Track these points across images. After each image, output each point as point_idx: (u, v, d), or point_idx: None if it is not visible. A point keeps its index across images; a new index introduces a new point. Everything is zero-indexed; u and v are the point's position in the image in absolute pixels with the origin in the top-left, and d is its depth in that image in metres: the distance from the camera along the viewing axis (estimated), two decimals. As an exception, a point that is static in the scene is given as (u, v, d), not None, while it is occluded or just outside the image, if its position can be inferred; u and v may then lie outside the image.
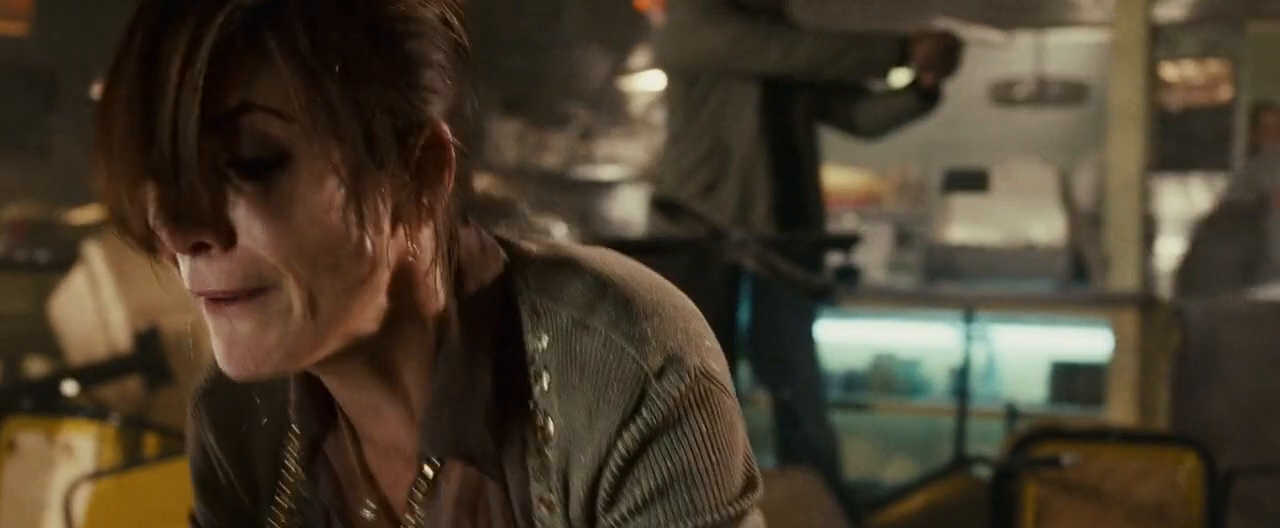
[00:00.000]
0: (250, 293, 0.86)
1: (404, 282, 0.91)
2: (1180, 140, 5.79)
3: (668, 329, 0.91)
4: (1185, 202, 5.74)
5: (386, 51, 0.86)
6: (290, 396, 1.02)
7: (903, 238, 6.13)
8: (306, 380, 0.99)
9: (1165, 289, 5.27)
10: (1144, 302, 4.62)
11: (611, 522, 0.92)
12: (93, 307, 4.00)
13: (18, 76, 5.83)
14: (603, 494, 0.92)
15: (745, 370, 3.37)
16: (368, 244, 0.86)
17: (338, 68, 0.83)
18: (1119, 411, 4.50)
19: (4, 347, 5.03)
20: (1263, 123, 5.57)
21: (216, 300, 0.86)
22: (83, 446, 3.33)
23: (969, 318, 4.36)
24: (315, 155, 0.83)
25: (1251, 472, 3.10)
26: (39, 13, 5.83)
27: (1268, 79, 5.89)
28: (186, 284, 0.86)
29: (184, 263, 0.86)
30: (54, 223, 5.82)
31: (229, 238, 0.84)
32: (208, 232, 0.83)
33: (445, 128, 0.90)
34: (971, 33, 3.44)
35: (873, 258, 5.62)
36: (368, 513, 1.02)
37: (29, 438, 3.36)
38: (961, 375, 4.34)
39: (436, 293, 0.94)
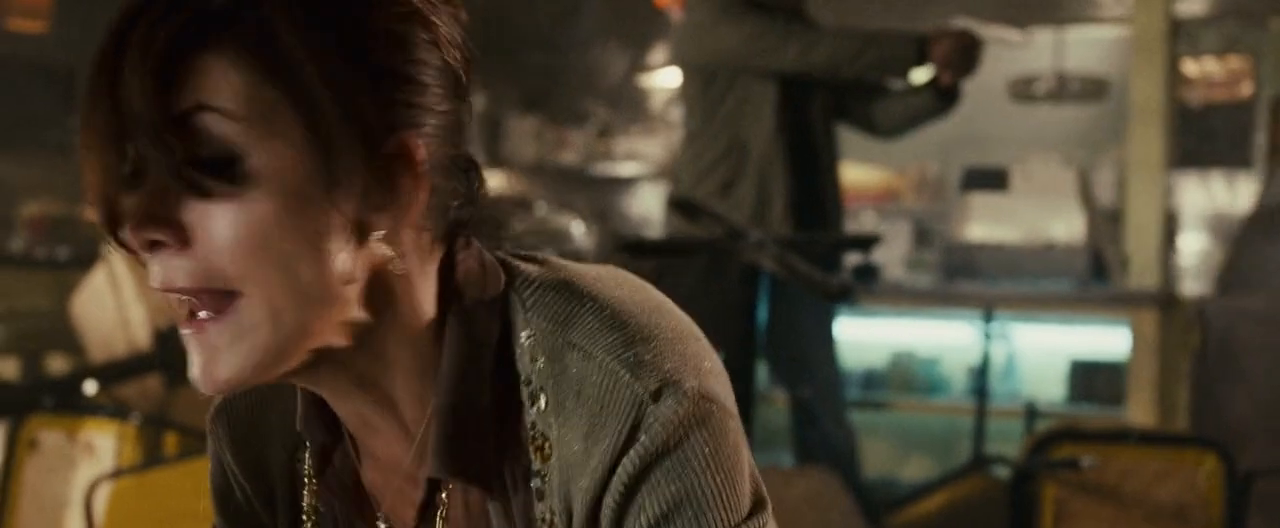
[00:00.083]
0: (217, 303, 0.86)
1: (381, 296, 0.91)
2: (1201, 137, 5.76)
3: (664, 353, 0.90)
4: (1206, 198, 5.72)
5: (346, 62, 0.86)
6: (298, 408, 1.02)
7: (922, 235, 6.11)
8: (312, 393, 0.99)
9: (1186, 287, 5.25)
10: (1164, 301, 4.60)
11: None
12: (113, 305, 4.01)
13: (38, 74, 5.86)
14: (606, 519, 0.91)
15: (764, 370, 3.36)
16: (323, 254, 0.86)
17: (287, 74, 0.84)
18: (1138, 410, 4.48)
19: (25, 344, 5.06)
20: (1284, 119, 5.54)
21: (191, 318, 0.87)
22: (104, 444, 3.34)
23: (988, 317, 4.35)
24: (264, 160, 0.84)
25: (1272, 473, 3.08)
26: (58, 11, 5.85)
27: (1289, 75, 5.86)
28: (151, 281, 0.87)
29: (149, 260, 0.87)
30: (74, 220, 5.85)
31: (182, 236, 0.85)
32: (162, 229, 0.85)
33: (418, 144, 0.89)
34: (990, 32, 3.43)
35: (891, 256, 5.61)
36: (381, 523, 1.02)
37: (51, 436, 3.38)
38: (980, 374, 4.34)
39: (422, 308, 0.93)
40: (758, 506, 0.94)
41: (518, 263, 0.98)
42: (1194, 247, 5.61)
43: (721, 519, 0.90)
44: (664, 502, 0.89)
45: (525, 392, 0.93)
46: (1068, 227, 4.90)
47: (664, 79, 7.01)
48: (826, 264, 3.35)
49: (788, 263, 2.82)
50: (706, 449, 0.89)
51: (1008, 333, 4.88)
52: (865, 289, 3.55)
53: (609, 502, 0.90)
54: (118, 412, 3.38)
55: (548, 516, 0.93)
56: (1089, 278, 4.84)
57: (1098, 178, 5.68)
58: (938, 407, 4.99)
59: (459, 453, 0.93)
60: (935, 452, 4.99)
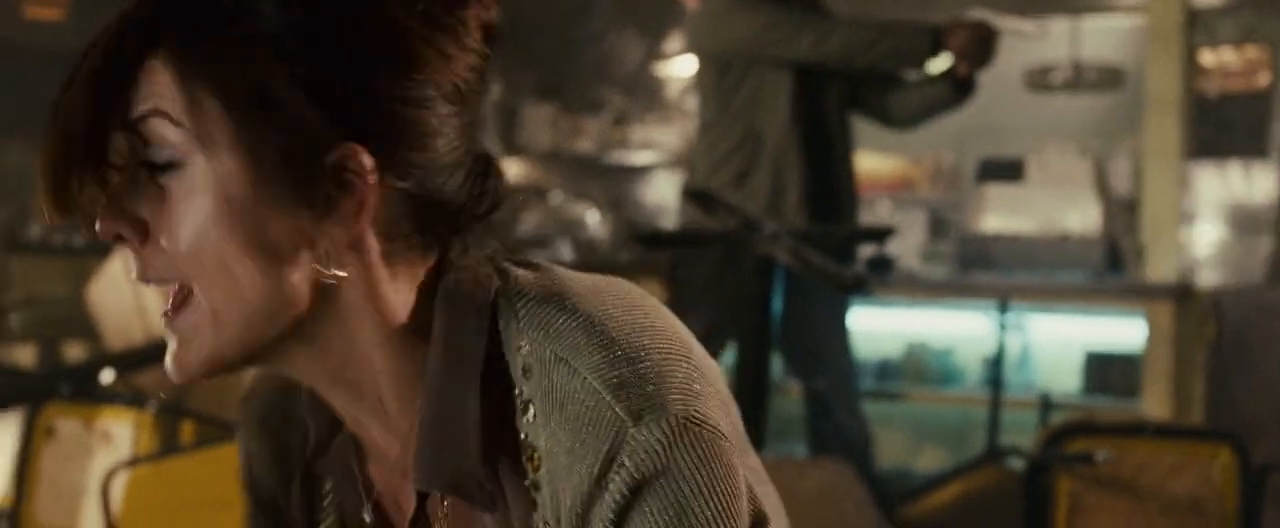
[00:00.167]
0: (180, 296, 0.91)
1: (334, 301, 0.92)
2: (1218, 127, 5.74)
3: (650, 375, 0.89)
4: (1223, 189, 5.70)
5: (284, 74, 0.88)
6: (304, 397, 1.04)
7: (937, 225, 6.10)
8: None
9: (1202, 279, 5.24)
10: (1180, 292, 4.58)
11: None
12: (130, 293, 4.02)
13: (54, 63, 5.87)
14: None
15: (778, 361, 3.37)
16: (263, 259, 0.89)
17: (223, 86, 0.87)
18: (1153, 402, 4.47)
19: (42, 332, 5.08)
20: (1302, 110, 5.51)
21: (169, 307, 0.92)
22: (120, 432, 3.35)
23: (1003, 308, 4.34)
24: (206, 166, 0.88)
25: (1287, 466, 3.07)
26: (76, -1, 5.88)
27: (1307, 65, 5.83)
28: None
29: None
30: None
31: (141, 232, 0.90)
32: (121, 224, 0.90)
33: (363, 156, 0.89)
34: (1006, 22, 3.42)
35: (906, 246, 5.60)
36: (366, 517, 1.04)
37: (68, 424, 3.39)
38: (995, 366, 4.33)
39: (391, 314, 0.94)
40: (756, 523, 0.93)
41: (514, 271, 0.97)
42: (1210, 237, 5.59)
43: None
44: None
45: (518, 401, 0.92)
46: (1083, 217, 4.89)
47: (680, 67, 7.00)
48: (841, 255, 3.34)
49: (802, 255, 2.82)
50: (695, 473, 0.87)
51: (1023, 324, 4.87)
52: (880, 280, 3.55)
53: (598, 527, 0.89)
54: (134, 400, 3.39)
55: (543, 526, 0.92)
56: (1104, 269, 4.83)
57: (1114, 168, 5.66)
58: (952, 398, 4.99)
59: (440, 464, 0.93)
60: (949, 443, 4.99)
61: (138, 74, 0.89)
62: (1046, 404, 4.16)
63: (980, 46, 3.34)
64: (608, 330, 0.90)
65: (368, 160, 0.90)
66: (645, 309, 0.94)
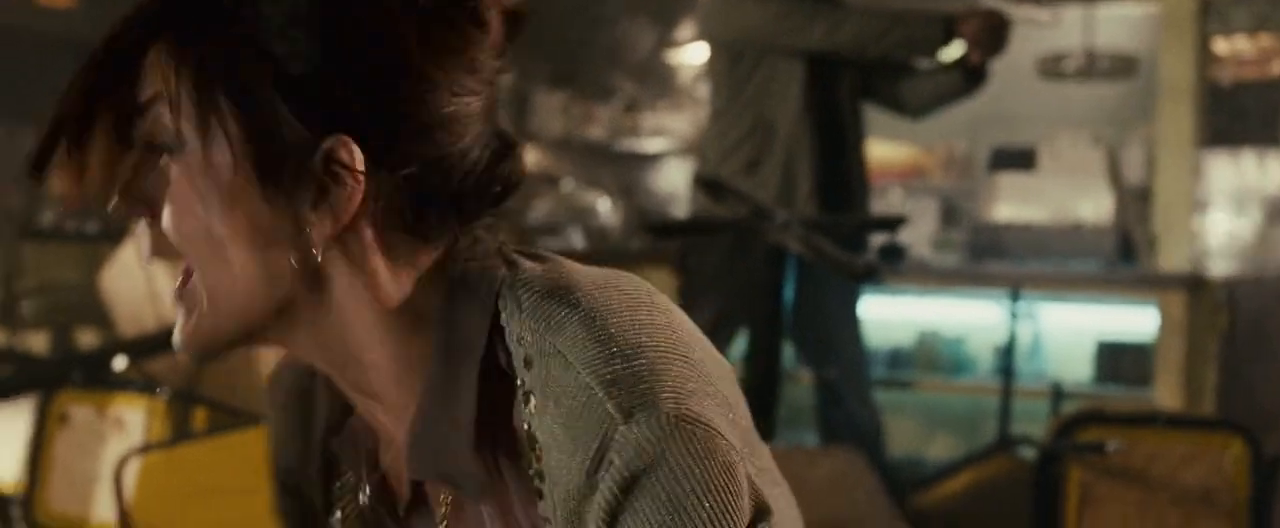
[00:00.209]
0: (185, 274, 0.95)
1: (326, 289, 0.94)
2: (1231, 115, 5.71)
3: (644, 372, 0.88)
4: (1236, 178, 5.68)
5: (276, 66, 0.90)
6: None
7: (948, 214, 6.09)
8: None
9: (1215, 268, 5.22)
10: (1192, 282, 4.57)
11: None
12: (143, 279, 4.03)
13: (65, 50, 5.88)
14: None
15: (789, 350, 3.37)
16: (254, 244, 0.92)
17: (211, 73, 0.90)
18: (1165, 392, 4.47)
19: (55, 318, 5.09)
20: (1316, 98, 5.49)
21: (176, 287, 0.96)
22: (133, 419, 3.36)
23: (1015, 296, 4.34)
24: (204, 152, 0.91)
25: (1299, 456, 3.07)
26: (88, -14, 5.88)
27: (1322, 54, 5.80)
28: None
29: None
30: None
31: (146, 210, 0.95)
32: (130, 202, 0.95)
33: (353, 149, 0.91)
34: (1018, 10, 3.41)
35: (918, 235, 5.58)
36: (362, 498, 1.05)
37: (80, 411, 3.40)
38: (1007, 355, 4.33)
39: (387, 304, 0.95)
40: (759, 514, 0.91)
41: (522, 262, 0.97)
42: (1223, 227, 5.57)
43: None
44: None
45: (520, 392, 0.92)
46: (1096, 206, 4.88)
47: (692, 54, 6.99)
48: (852, 244, 3.34)
49: (813, 243, 2.82)
50: (687, 472, 0.86)
51: (1034, 313, 4.87)
52: (891, 269, 3.55)
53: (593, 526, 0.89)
54: (147, 387, 3.40)
55: (549, 514, 0.92)
56: (1117, 258, 4.83)
57: (1126, 157, 5.64)
58: (963, 387, 4.98)
59: (433, 453, 0.94)
60: (961, 432, 4.99)
61: (141, 62, 0.92)
62: (1058, 394, 4.16)
63: (992, 35, 3.33)
64: (606, 326, 0.90)
65: (358, 153, 0.91)
66: (649, 306, 0.94)
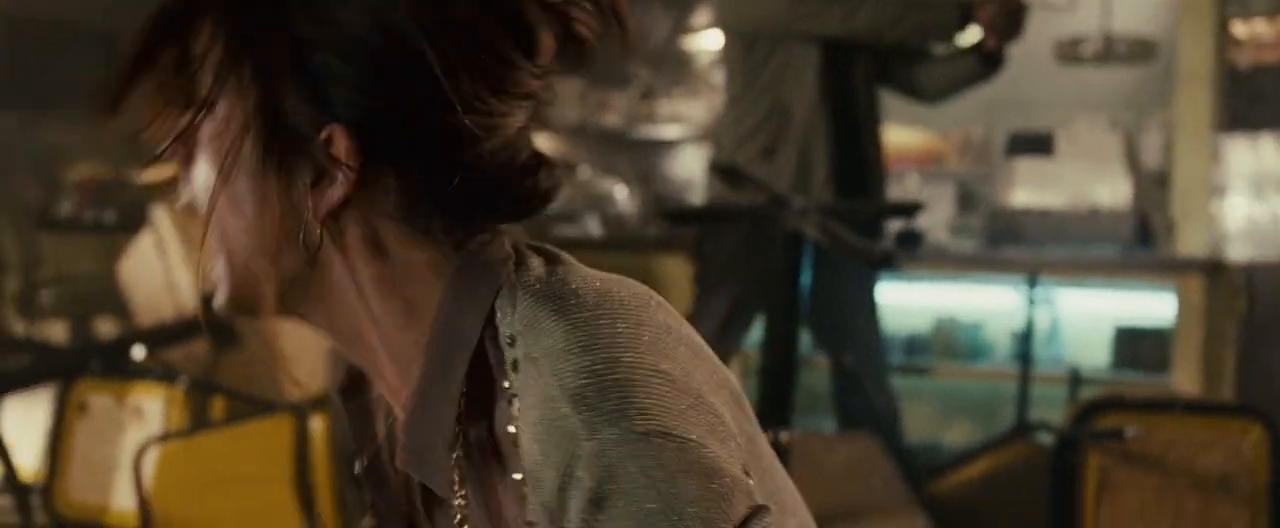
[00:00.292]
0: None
1: (324, 270, 0.97)
2: (1250, 99, 5.68)
3: (614, 388, 0.87)
4: (1255, 162, 5.65)
5: (289, 49, 0.93)
6: None
7: (966, 199, 6.08)
8: None
9: (1233, 253, 5.20)
10: (1210, 266, 4.56)
11: None
12: (161, 269, 4.05)
13: (82, 37, 5.90)
14: None
15: (806, 336, 3.36)
16: (253, 215, 0.96)
17: (240, 46, 0.94)
18: (1184, 377, 4.45)
19: (74, 308, 5.11)
20: (1335, 82, 5.46)
21: None
22: (152, 408, 3.38)
23: (1032, 282, 4.33)
24: (222, 120, 0.96)
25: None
26: (103, -26, 5.89)
27: (1341, 37, 5.77)
28: None
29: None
30: (122, 184, 5.89)
31: (186, 163, 0.99)
32: (176, 154, 0.98)
33: (345, 142, 0.93)
34: None
35: (935, 220, 5.57)
36: (357, 467, 1.08)
37: (99, 400, 3.42)
38: (1024, 340, 4.32)
39: (383, 294, 0.96)
40: (755, 512, 0.89)
41: (530, 262, 0.97)
42: (1242, 211, 5.55)
43: None
44: None
45: (507, 395, 0.92)
46: (1113, 191, 4.87)
47: (708, 41, 6.98)
48: (869, 230, 3.34)
49: (831, 229, 2.82)
50: (658, 488, 0.84)
51: (1052, 298, 4.86)
52: (908, 255, 3.54)
53: None
54: (165, 376, 3.42)
55: (536, 518, 0.91)
56: (1135, 243, 4.81)
57: (1145, 141, 5.62)
58: (981, 372, 4.97)
59: (419, 452, 0.95)
60: (978, 418, 4.98)
61: (190, 27, 0.96)
62: (1076, 379, 4.16)
63: (1008, 19, 3.32)
64: (587, 339, 0.89)
65: (349, 145, 0.93)
66: (641, 318, 0.92)
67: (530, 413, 0.89)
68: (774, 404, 2.80)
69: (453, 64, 0.93)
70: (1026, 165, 5.02)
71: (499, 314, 0.94)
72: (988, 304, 5.07)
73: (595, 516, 0.85)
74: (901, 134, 5.98)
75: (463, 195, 0.96)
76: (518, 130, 0.97)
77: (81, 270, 5.37)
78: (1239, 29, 5.59)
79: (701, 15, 7.08)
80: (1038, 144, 5.09)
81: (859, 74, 3.53)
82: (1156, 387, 4.48)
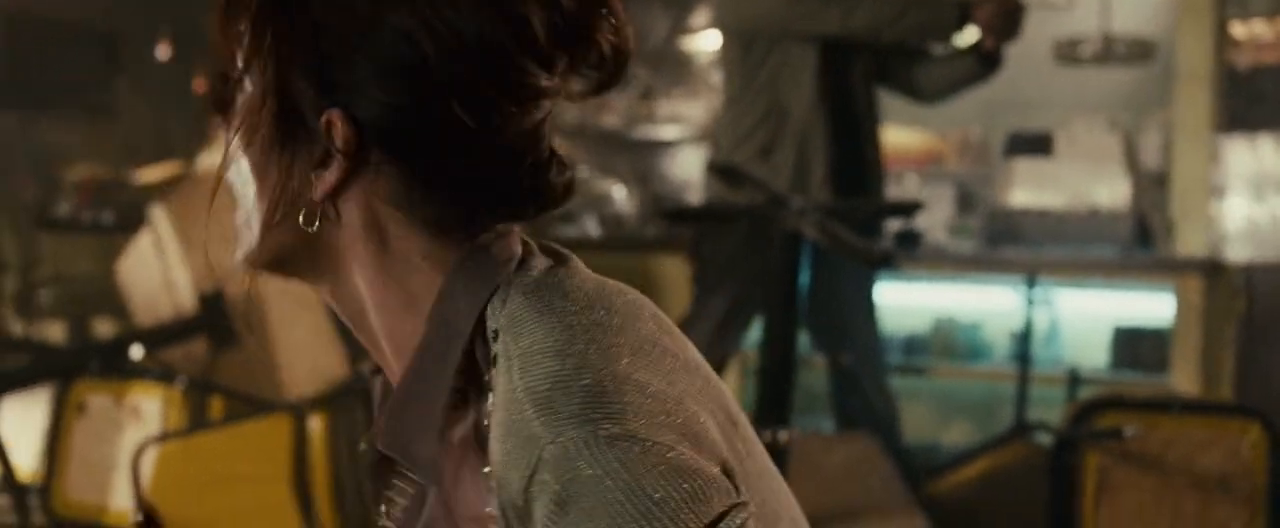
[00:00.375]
0: None
1: (324, 249, 0.99)
2: (1249, 100, 5.68)
3: (579, 393, 0.87)
4: (1254, 163, 5.65)
5: (301, 34, 0.96)
6: None
7: (965, 199, 6.07)
8: None
9: (1232, 253, 5.21)
10: (1209, 267, 4.56)
11: None
12: (159, 269, 4.04)
13: (80, 38, 5.89)
14: None
15: (805, 336, 3.36)
16: (260, 186, 0.99)
17: (262, 25, 0.97)
18: (1183, 377, 4.45)
19: (72, 308, 5.11)
20: (1334, 82, 5.46)
21: None
22: (150, 408, 3.38)
23: (1031, 282, 4.33)
24: (247, 91, 0.99)
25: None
26: (102, -25, 5.88)
27: (1340, 37, 5.77)
28: None
29: None
30: (120, 184, 5.89)
31: (227, 123, 1.02)
32: (215, 115, 1.03)
33: (341, 128, 0.95)
34: None
35: (934, 220, 5.57)
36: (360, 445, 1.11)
37: (98, 400, 3.42)
38: (1023, 340, 4.32)
39: (367, 277, 0.98)
40: (731, 509, 0.87)
41: (533, 261, 0.98)
42: (1241, 211, 5.55)
43: None
44: None
45: (486, 389, 0.93)
46: (1112, 191, 4.87)
47: (706, 42, 6.98)
48: (868, 230, 3.34)
49: (830, 229, 2.82)
50: (627, 489, 0.84)
51: (1051, 299, 4.86)
52: (907, 255, 3.54)
53: None
54: (164, 376, 3.42)
55: (497, 513, 0.91)
56: (1133, 243, 4.81)
57: (1143, 142, 5.61)
58: (980, 372, 4.97)
59: (401, 431, 0.96)
60: (977, 418, 4.98)
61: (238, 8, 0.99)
62: (1074, 379, 4.16)
63: (1006, 19, 3.32)
64: (561, 343, 0.89)
65: (344, 130, 0.95)
66: (621, 328, 0.92)
67: (497, 413, 0.89)
68: (772, 404, 2.80)
69: (452, 61, 0.93)
70: (1025, 166, 5.03)
71: (489, 310, 0.94)
72: (986, 304, 5.07)
73: (561, 517, 0.85)
74: (900, 134, 5.98)
75: (465, 190, 0.97)
76: (526, 129, 0.97)
77: (80, 271, 5.37)
78: (1238, 29, 5.59)
79: (700, 16, 7.08)
80: (1037, 144, 5.09)
81: (857, 74, 3.53)
82: (1155, 387, 4.48)
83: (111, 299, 4.43)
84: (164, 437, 3.22)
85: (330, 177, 0.96)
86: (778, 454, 2.50)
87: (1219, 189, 5.24)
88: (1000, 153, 5.60)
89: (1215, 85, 5.07)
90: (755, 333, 3.25)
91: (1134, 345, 4.75)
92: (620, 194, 6.44)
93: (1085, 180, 4.87)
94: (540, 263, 0.98)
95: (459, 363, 0.94)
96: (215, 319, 3.81)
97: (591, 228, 5.81)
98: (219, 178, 1.01)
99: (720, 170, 3.27)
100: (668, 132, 7.33)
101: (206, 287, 3.81)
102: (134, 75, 6.22)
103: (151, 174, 5.73)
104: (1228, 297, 4.46)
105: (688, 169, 7.27)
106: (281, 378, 3.75)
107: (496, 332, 0.93)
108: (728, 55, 3.63)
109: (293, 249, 0.99)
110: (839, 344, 3.51)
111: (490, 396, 0.92)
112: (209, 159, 4.24)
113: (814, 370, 4.03)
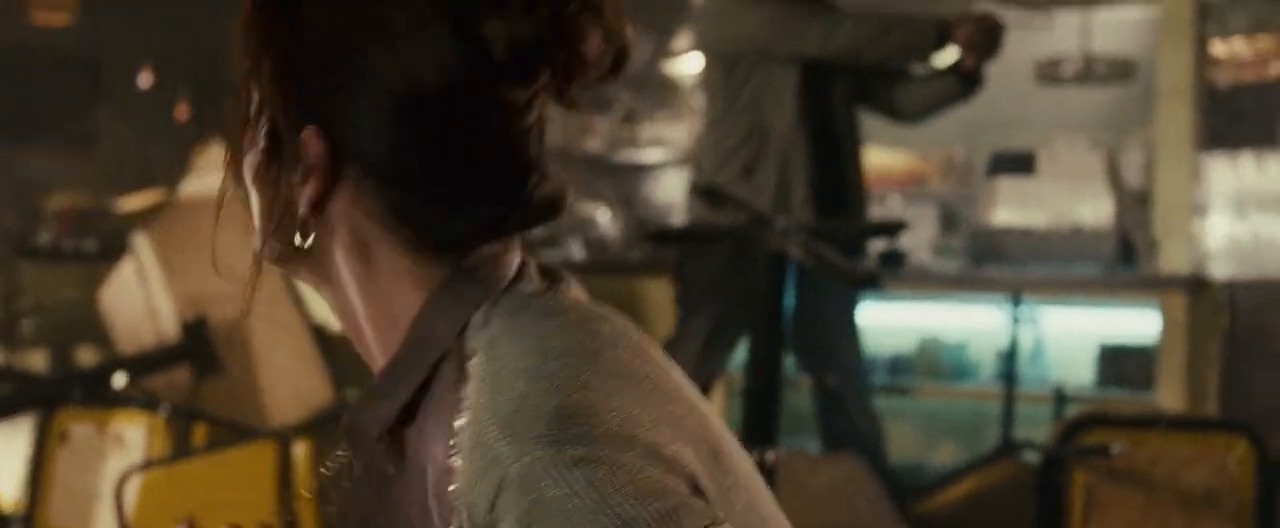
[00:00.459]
0: None
1: (315, 261, 1.00)
2: (1230, 118, 5.71)
3: (547, 419, 0.86)
4: (1235, 180, 5.68)
5: (292, 47, 0.97)
6: None
7: (948, 219, 6.09)
8: None
9: (1215, 270, 5.22)
10: (1193, 284, 4.57)
11: None
12: (141, 296, 4.03)
13: (63, 67, 5.89)
14: None
15: (789, 357, 3.36)
16: (255, 192, 1.01)
17: (252, 36, 0.99)
18: (1168, 394, 4.46)
19: (54, 336, 5.08)
20: (1313, 99, 5.49)
21: None
22: (133, 436, 3.36)
23: (1016, 301, 4.34)
24: (251, 99, 1.01)
25: (1303, 457, 3.06)
26: (82, 4, 5.88)
27: (1319, 54, 5.80)
28: None
29: None
30: (102, 212, 5.88)
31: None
32: (242, 128, 1.03)
33: (314, 144, 0.96)
34: (1012, 15, 3.41)
35: (918, 240, 5.59)
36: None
37: (80, 429, 3.40)
38: (1008, 359, 4.32)
39: (352, 290, 0.99)
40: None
41: (530, 280, 0.98)
42: (1223, 229, 5.57)
43: None
44: None
45: (461, 405, 0.92)
46: (1095, 210, 4.88)
47: (689, 65, 7.00)
48: (852, 250, 3.34)
49: (814, 250, 2.82)
50: (592, 510, 0.83)
51: (1036, 317, 4.86)
52: (891, 275, 3.54)
53: None
54: (147, 403, 3.40)
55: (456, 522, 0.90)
56: (1117, 261, 4.82)
57: (1125, 160, 5.64)
58: (965, 392, 4.97)
59: (361, 425, 0.98)
60: (963, 437, 4.98)
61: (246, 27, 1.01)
62: (1060, 398, 4.15)
63: (986, 39, 3.33)
64: (533, 366, 0.89)
65: (318, 146, 0.96)
66: (597, 352, 0.92)
67: (464, 432, 0.89)
68: (758, 425, 2.80)
69: (417, 85, 0.94)
70: (1008, 185, 5.04)
71: (469, 330, 0.94)
72: (971, 324, 5.07)
73: None
74: (883, 155, 6.00)
75: (444, 207, 0.96)
76: (506, 144, 0.97)
77: (62, 299, 5.34)
78: (1218, 48, 5.62)
79: (683, 39, 7.10)
80: (1019, 164, 5.11)
81: (838, 94, 3.54)
82: (1141, 404, 4.48)
83: (94, 327, 4.40)
84: (147, 465, 3.20)
85: (310, 190, 0.97)
86: (764, 475, 2.50)
87: (1201, 207, 5.26)
88: (983, 172, 5.62)
89: (1196, 103, 5.09)
90: (740, 354, 3.24)
91: (1119, 363, 4.76)
92: (604, 217, 6.44)
93: (1068, 199, 4.89)
94: (531, 285, 0.97)
95: (422, 380, 0.95)
96: (198, 346, 3.79)
97: (576, 251, 5.81)
98: (223, 188, 1.02)
99: (703, 191, 3.27)
100: (651, 155, 7.34)
101: (189, 314, 3.79)
102: (115, 103, 6.22)
103: (133, 202, 5.72)
104: (1212, 313, 4.47)
105: (671, 192, 7.28)
106: (265, 403, 3.73)
107: (474, 351, 0.92)
108: (710, 77, 3.64)
109: (291, 257, 1.01)
110: (824, 365, 3.51)
111: (462, 416, 0.90)
112: (191, 187, 4.22)
113: (799, 391, 4.03)
